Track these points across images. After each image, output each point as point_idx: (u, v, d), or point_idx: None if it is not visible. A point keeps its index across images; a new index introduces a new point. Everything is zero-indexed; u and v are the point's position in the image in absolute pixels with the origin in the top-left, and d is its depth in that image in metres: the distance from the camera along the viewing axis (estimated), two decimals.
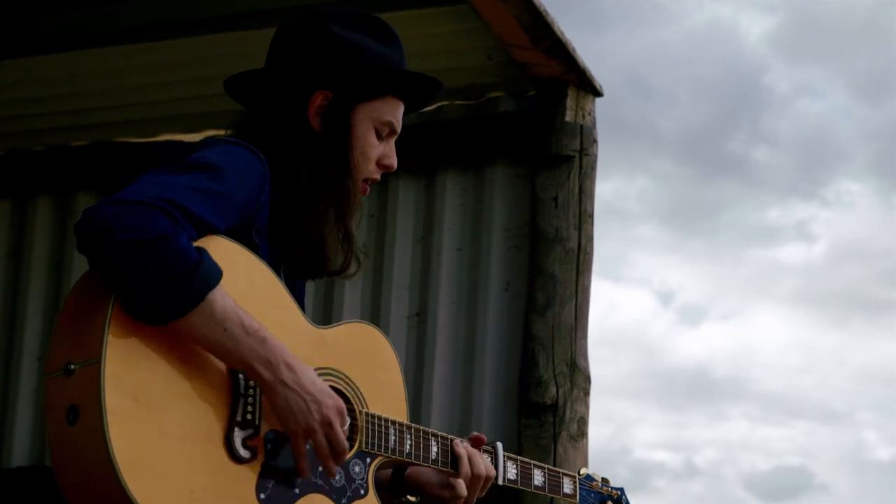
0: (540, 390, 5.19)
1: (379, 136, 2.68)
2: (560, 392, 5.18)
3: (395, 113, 2.70)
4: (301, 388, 2.34)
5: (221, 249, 2.32)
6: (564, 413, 5.17)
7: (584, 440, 5.21)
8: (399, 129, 2.72)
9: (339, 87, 2.62)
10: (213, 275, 2.25)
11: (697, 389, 18.83)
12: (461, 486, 2.75)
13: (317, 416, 2.35)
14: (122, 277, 2.19)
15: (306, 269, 2.63)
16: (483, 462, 2.79)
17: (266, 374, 2.32)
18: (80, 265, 6.16)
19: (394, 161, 2.71)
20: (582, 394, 5.24)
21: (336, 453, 2.40)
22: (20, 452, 6.14)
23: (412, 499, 2.80)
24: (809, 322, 19.44)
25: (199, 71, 5.65)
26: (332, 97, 2.62)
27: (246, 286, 2.38)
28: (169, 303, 2.21)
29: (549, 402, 5.17)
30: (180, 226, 2.23)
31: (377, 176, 2.70)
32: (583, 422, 5.21)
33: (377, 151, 2.67)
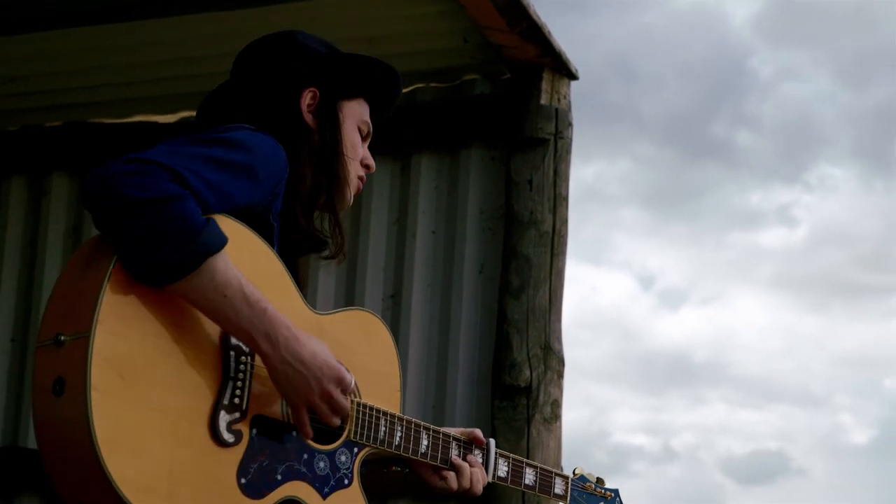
0: (514, 373, 5.21)
1: (360, 134, 2.79)
2: (534, 375, 5.20)
3: (367, 115, 2.81)
4: (300, 363, 2.35)
5: (227, 228, 2.33)
6: (538, 396, 5.19)
7: (558, 423, 5.23)
8: (370, 130, 2.84)
9: (323, 83, 2.72)
10: (216, 240, 2.26)
11: (676, 373, 18.91)
12: (452, 480, 2.79)
13: (316, 390, 2.38)
14: (126, 235, 2.20)
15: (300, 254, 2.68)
16: (478, 472, 2.81)
17: (265, 346, 2.33)
18: (54, 246, 6.15)
19: (373, 162, 2.83)
20: (556, 376, 5.25)
21: (338, 417, 2.45)
22: None
23: (398, 469, 2.82)
24: (789, 306, 19.53)
25: (174, 51, 5.64)
26: (320, 94, 2.71)
27: (248, 267, 2.37)
28: (170, 263, 2.22)
29: (522, 384, 5.19)
30: (190, 190, 2.24)
31: (363, 174, 2.80)
32: (556, 405, 5.23)
33: (361, 151, 2.79)
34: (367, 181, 5.56)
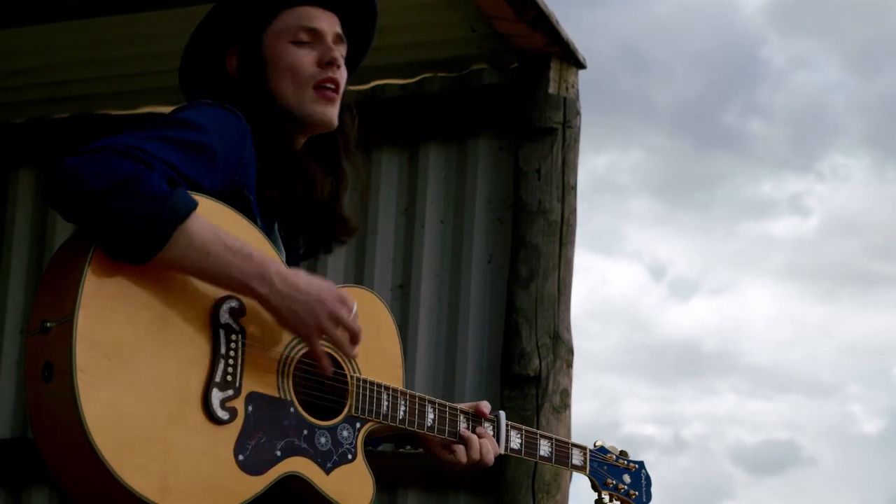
0: (523, 362, 5.20)
1: (301, 45, 2.65)
2: (543, 364, 5.19)
3: (307, 18, 2.66)
4: (299, 292, 2.36)
5: (204, 208, 2.32)
6: (547, 385, 5.18)
7: (567, 412, 5.22)
8: (324, 28, 2.67)
9: (236, 33, 2.66)
10: (183, 206, 2.25)
11: (687, 363, 18.88)
12: (461, 453, 2.76)
13: (324, 313, 2.38)
14: (94, 224, 2.21)
15: (301, 217, 2.66)
16: (488, 443, 2.79)
17: (260, 287, 2.33)
18: (62, 239, 6.13)
19: (335, 55, 2.66)
20: (565, 366, 5.25)
21: (353, 339, 2.45)
22: (2, 424, 6.13)
23: (410, 449, 2.82)
24: (799, 296, 19.49)
25: (179, 42, 5.58)
26: (238, 48, 2.66)
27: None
28: (143, 241, 2.22)
29: (531, 374, 5.18)
30: (146, 165, 2.23)
31: (328, 75, 2.64)
32: (566, 394, 5.22)
33: (308, 58, 2.64)
34: (376, 171, 5.63)
